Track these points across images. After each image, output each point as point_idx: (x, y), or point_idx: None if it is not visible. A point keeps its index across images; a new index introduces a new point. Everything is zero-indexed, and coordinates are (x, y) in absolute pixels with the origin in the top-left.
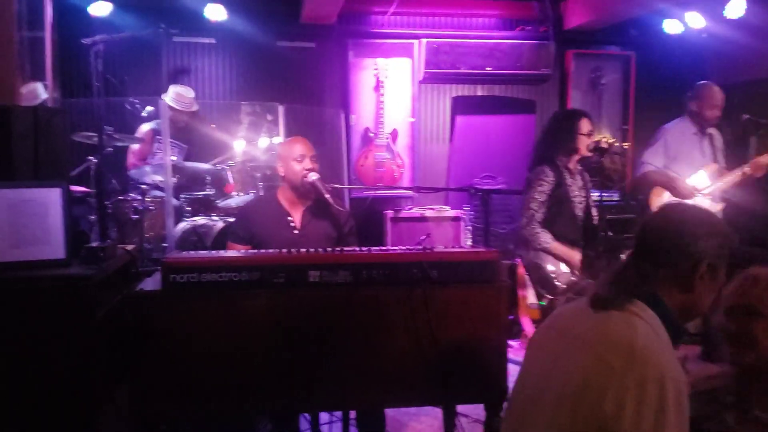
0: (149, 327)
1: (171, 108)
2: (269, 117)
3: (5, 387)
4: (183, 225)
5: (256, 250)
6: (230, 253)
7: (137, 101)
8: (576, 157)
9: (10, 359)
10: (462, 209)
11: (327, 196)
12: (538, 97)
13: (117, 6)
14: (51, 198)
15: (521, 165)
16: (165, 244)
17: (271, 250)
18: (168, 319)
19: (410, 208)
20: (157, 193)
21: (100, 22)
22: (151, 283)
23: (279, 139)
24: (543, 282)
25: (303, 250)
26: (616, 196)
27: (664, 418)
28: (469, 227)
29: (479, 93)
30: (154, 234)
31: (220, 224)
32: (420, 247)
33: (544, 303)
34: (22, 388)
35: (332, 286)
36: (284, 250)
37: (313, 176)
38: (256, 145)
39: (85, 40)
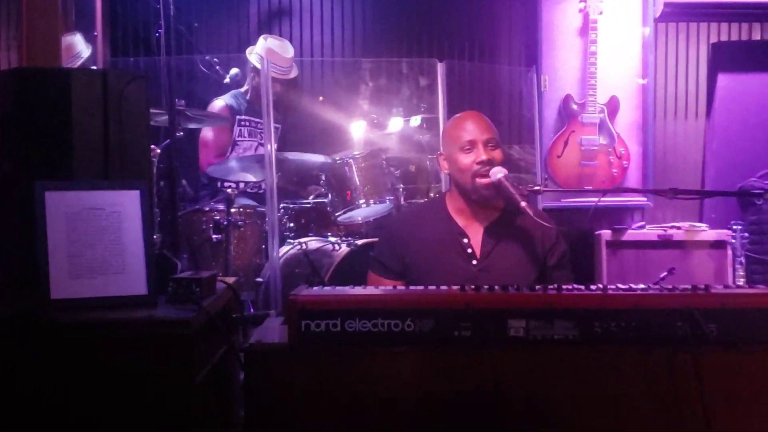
0: (271, 395)
1: (257, 71)
2: (422, 81)
3: None
4: (285, 249)
5: (418, 287)
6: (386, 291)
7: (216, 60)
8: None
9: None
10: (728, 228)
11: (523, 204)
12: None
13: None
14: (127, 204)
15: None
16: (260, 279)
17: (447, 287)
18: (298, 384)
19: (640, 226)
20: (248, 201)
21: None
22: (269, 332)
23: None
24: None
25: (497, 288)
26: None
27: None
28: (741, 257)
29: (759, 36)
30: (244, 262)
31: (344, 249)
32: (688, 287)
33: None
34: None
35: (546, 345)
36: (469, 288)
37: (499, 173)
38: (396, 127)
39: None
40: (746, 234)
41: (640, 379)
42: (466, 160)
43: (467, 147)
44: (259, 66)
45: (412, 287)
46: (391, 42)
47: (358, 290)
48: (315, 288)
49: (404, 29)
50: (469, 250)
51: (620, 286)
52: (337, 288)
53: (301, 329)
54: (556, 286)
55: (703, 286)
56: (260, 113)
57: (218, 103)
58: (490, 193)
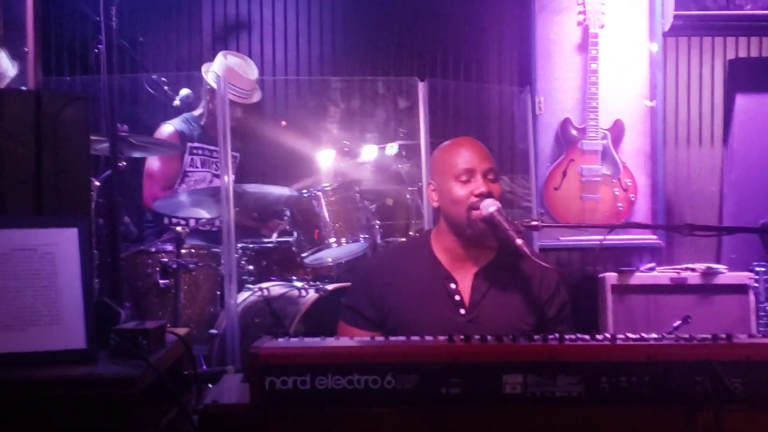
0: None
1: (214, 93)
2: (401, 103)
3: None
4: (244, 296)
5: (400, 338)
6: (363, 343)
7: (164, 79)
8: None
9: None
10: (751, 270)
11: (519, 242)
12: None
13: None
14: (63, 244)
15: None
16: (214, 331)
17: (433, 338)
18: None
19: (650, 269)
20: (200, 241)
21: None
22: (227, 392)
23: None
24: None
25: (490, 338)
26: None
27: None
28: (765, 303)
29: None
30: (196, 311)
31: (312, 295)
32: (708, 337)
33: None
34: None
35: (546, 403)
36: (458, 338)
37: (491, 206)
38: (370, 156)
39: None
40: None
41: None
42: (462, 191)
43: (464, 177)
44: (215, 86)
45: (392, 338)
46: (365, 59)
47: (331, 342)
48: (280, 340)
49: (380, 45)
50: (457, 297)
51: (630, 335)
52: (306, 339)
53: (265, 387)
54: (557, 336)
55: (724, 336)
56: (215, 140)
57: (166, 129)
58: (487, 228)
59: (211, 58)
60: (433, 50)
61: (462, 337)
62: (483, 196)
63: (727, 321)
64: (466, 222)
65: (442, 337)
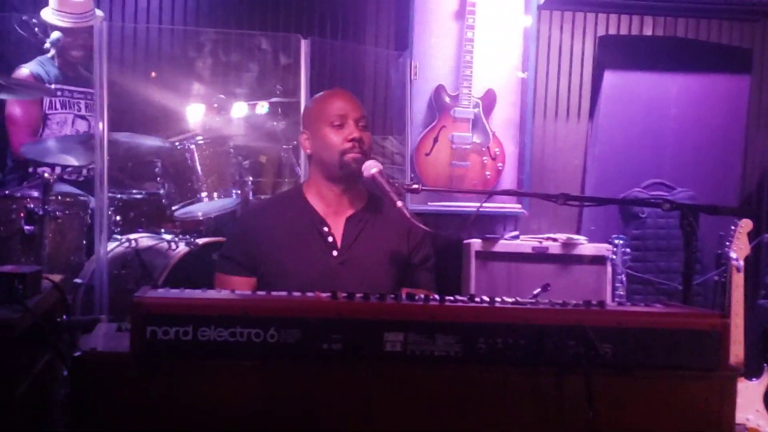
0: (106, 413)
1: (61, 30)
2: (282, 59)
3: None
4: (111, 246)
5: (283, 293)
6: (247, 296)
7: (35, 20)
8: None
9: None
10: (609, 243)
11: (399, 204)
12: (757, 42)
13: None
14: None
15: (723, 167)
16: (78, 280)
17: (315, 294)
18: (140, 401)
19: (514, 237)
20: (67, 188)
21: None
22: (104, 340)
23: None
24: None
25: (373, 296)
26: None
27: None
28: (622, 275)
29: (647, 32)
30: (61, 260)
31: (182, 248)
32: (581, 303)
33: None
34: None
35: (425, 362)
36: (341, 295)
37: (373, 168)
38: (240, 113)
39: None
40: (628, 249)
41: (527, 402)
42: (335, 137)
43: (337, 122)
44: (58, 23)
45: (275, 293)
46: (242, 13)
47: (214, 294)
48: (161, 290)
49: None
50: (330, 239)
51: (507, 299)
52: (189, 291)
53: (147, 337)
54: (438, 297)
55: (597, 302)
56: (75, 80)
57: (23, 72)
58: (359, 168)
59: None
60: (313, 8)
61: (345, 294)
62: (355, 140)
63: (584, 291)
64: (338, 165)
65: (325, 294)
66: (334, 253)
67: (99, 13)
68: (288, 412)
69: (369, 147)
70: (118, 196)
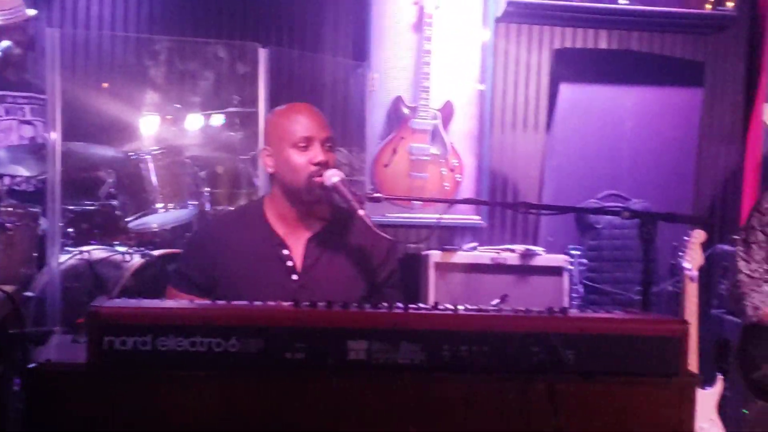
0: (61, 426)
1: None
2: (240, 69)
3: None
4: (63, 258)
5: (242, 303)
6: (208, 305)
7: None
8: None
9: None
10: (566, 253)
11: (361, 212)
12: (710, 56)
13: None
14: None
15: (677, 178)
16: (29, 294)
17: (278, 303)
18: (97, 414)
19: (472, 248)
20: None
21: None
22: (57, 351)
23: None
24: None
25: (336, 305)
26: None
27: None
28: (578, 285)
29: (603, 45)
30: (10, 272)
31: (137, 260)
32: (544, 310)
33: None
34: None
35: (389, 371)
36: (305, 303)
37: (334, 176)
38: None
39: None
40: (584, 260)
41: (491, 409)
42: (300, 159)
43: (303, 144)
44: None
45: (236, 302)
46: (198, 20)
47: (174, 303)
48: (119, 300)
49: (216, 6)
50: (290, 263)
51: (470, 306)
52: (147, 300)
53: (104, 347)
54: (402, 304)
55: (560, 309)
56: (17, 85)
57: None
58: (324, 194)
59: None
60: (272, 17)
61: (307, 302)
62: (321, 164)
63: (542, 301)
64: (304, 189)
65: (287, 303)
66: (294, 277)
67: (31, 11)
68: (250, 423)
69: (332, 165)
70: (71, 207)
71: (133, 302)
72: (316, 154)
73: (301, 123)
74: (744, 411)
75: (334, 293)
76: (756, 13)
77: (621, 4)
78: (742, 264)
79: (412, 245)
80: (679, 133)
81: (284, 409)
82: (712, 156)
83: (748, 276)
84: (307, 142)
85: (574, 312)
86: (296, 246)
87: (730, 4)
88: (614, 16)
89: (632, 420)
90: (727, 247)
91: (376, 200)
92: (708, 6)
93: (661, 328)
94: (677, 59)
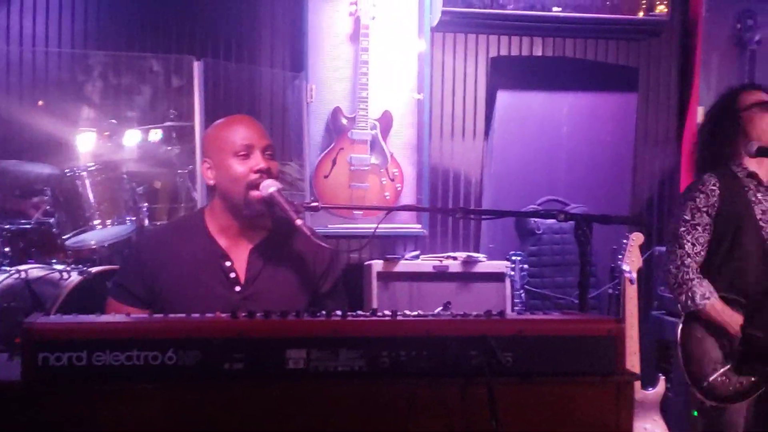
0: None
1: None
2: (175, 82)
3: None
4: (1, 278)
5: (178, 315)
6: (143, 318)
7: None
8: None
9: None
10: (507, 259)
11: (299, 222)
12: (643, 61)
13: None
14: None
15: (613, 182)
16: None
17: (215, 314)
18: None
19: (414, 257)
20: None
21: None
22: None
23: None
24: (695, 373)
25: (274, 314)
26: None
27: None
28: (520, 291)
29: (538, 52)
30: None
31: (75, 277)
32: (482, 313)
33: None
34: None
35: (329, 378)
36: (242, 314)
37: (271, 186)
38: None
39: None
40: (525, 266)
41: (432, 413)
42: (241, 167)
43: (242, 152)
44: None
45: (173, 315)
46: (132, 34)
47: (108, 317)
48: (53, 316)
49: (150, 21)
50: (232, 275)
51: (409, 312)
52: (82, 315)
53: (38, 364)
54: (340, 312)
55: (497, 312)
56: None
57: None
58: (264, 208)
59: None
60: (206, 29)
61: (245, 313)
62: (262, 171)
63: (484, 307)
64: (244, 200)
65: (224, 314)
66: (237, 288)
67: None
68: None
69: (276, 177)
70: (6, 226)
71: (67, 318)
72: (257, 161)
73: (241, 133)
74: (694, 413)
75: (278, 304)
76: (687, 18)
77: (554, 12)
78: (688, 246)
79: (354, 255)
80: (615, 137)
81: (225, 419)
82: (648, 159)
83: (694, 260)
84: (247, 150)
85: (511, 315)
86: (239, 257)
87: (662, 10)
88: (548, 24)
89: (571, 419)
90: (665, 249)
91: (314, 209)
92: (640, 12)
93: (596, 328)
94: (611, 65)
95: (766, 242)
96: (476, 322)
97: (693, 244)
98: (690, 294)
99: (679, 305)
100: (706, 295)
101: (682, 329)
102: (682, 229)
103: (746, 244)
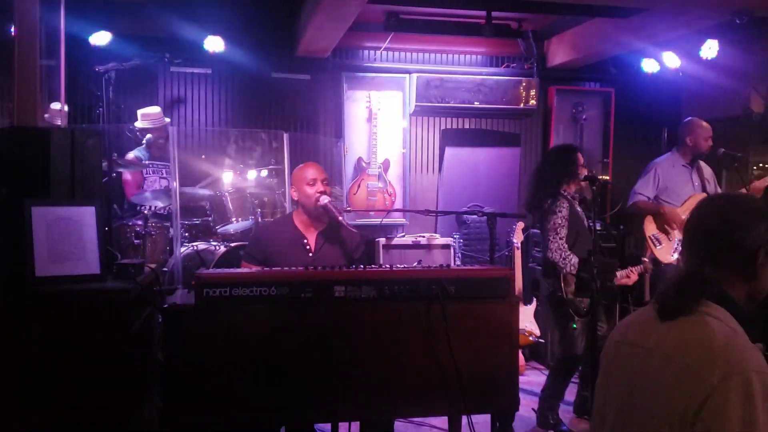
0: (182, 339)
1: (148, 130)
2: (274, 144)
3: (45, 395)
4: (184, 249)
5: (278, 268)
6: (258, 270)
7: (137, 129)
8: (574, 187)
9: (50, 369)
10: (451, 237)
11: (340, 218)
12: (523, 130)
13: (116, 36)
14: (86, 216)
15: (507, 195)
16: (165, 269)
17: (298, 268)
18: (201, 332)
19: (402, 236)
20: (157, 220)
21: (100, 51)
22: (180, 298)
23: (276, 167)
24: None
25: (328, 267)
26: (598, 226)
27: (753, 411)
28: (459, 254)
29: (467, 126)
30: (155, 258)
31: (222, 249)
32: (439, 266)
33: (576, 326)
34: (60, 396)
35: (356, 301)
36: (311, 267)
37: (325, 199)
38: (252, 175)
39: (99, 68)
40: (461, 241)
41: (411, 322)
42: (310, 191)
43: (311, 182)
44: (145, 125)
45: (275, 268)
46: (250, 117)
47: (241, 270)
48: (211, 269)
49: (258, 108)
50: (307, 247)
51: (399, 266)
52: (227, 269)
53: (203, 295)
54: (363, 266)
55: (446, 265)
56: (159, 158)
57: (131, 155)
58: (322, 211)
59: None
60: (290, 114)
61: (312, 267)
62: (321, 192)
63: (439, 263)
64: (313, 207)
65: (305, 267)
66: (310, 254)
67: (167, 119)
68: (284, 336)
69: (329, 195)
70: (186, 222)
71: (219, 270)
72: (319, 187)
73: (310, 171)
74: (573, 326)
75: (332, 262)
76: (546, 106)
77: (475, 105)
78: (562, 235)
79: (371, 236)
80: (509, 171)
81: (302, 325)
82: (525, 181)
83: (566, 243)
84: (313, 181)
85: (454, 267)
86: (311, 238)
87: (532, 102)
88: (472, 111)
89: (485, 322)
90: (535, 231)
91: (348, 212)
92: (521, 104)
93: (499, 273)
94: (506, 132)
95: (588, 233)
96: (434, 271)
97: (562, 237)
98: (571, 261)
99: (564, 268)
100: (575, 262)
101: (563, 279)
102: (557, 226)
103: (581, 234)
